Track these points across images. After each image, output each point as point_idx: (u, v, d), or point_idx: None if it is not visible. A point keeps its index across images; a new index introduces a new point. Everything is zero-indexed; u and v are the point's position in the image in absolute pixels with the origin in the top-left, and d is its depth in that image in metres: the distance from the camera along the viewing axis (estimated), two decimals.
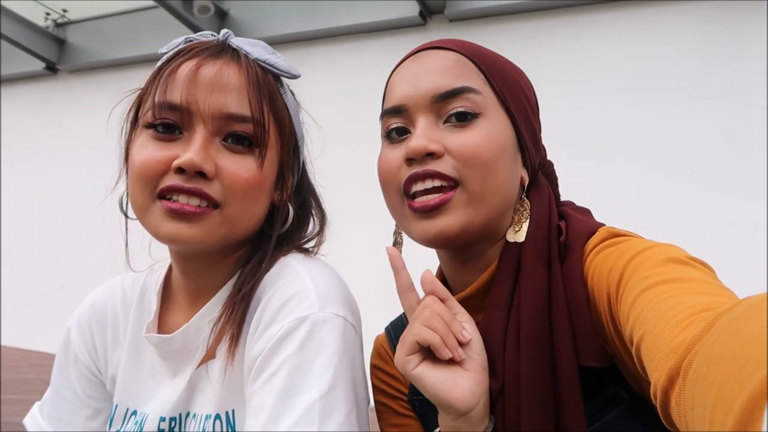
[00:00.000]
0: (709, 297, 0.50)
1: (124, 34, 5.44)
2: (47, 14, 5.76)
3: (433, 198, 0.70)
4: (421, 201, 0.71)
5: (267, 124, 0.74)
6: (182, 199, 0.70)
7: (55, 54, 5.82)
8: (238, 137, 0.73)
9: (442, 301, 0.69)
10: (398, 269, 0.71)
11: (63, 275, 5.35)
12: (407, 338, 0.66)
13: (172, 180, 0.70)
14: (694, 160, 3.37)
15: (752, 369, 0.33)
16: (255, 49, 0.78)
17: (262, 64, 0.77)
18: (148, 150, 0.72)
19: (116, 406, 0.86)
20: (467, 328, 0.67)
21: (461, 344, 0.66)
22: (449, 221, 0.70)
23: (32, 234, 5.77)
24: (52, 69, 5.91)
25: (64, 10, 5.79)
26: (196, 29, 4.53)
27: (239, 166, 0.72)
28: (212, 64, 0.73)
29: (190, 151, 0.69)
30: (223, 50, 0.76)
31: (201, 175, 0.70)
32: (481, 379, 0.66)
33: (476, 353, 0.66)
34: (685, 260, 0.59)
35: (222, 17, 4.87)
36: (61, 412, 0.87)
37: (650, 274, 0.57)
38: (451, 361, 0.65)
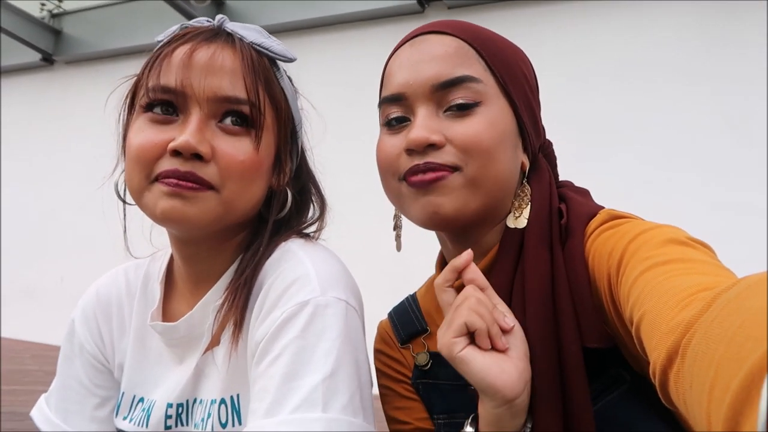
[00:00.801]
0: (709, 277, 0.50)
1: (120, 25, 5.41)
2: (43, 5, 5.72)
3: (430, 174, 0.70)
4: (418, 176, 0.71)
5: (263, 106, 0.74)
6: (177, 176, 0.70)
7: (51, 45, 5.79)
8: (234, 119, 0.73)
9: (482, 290, 0.67)
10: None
11: (63, 267, 5.36)
12: (455, 321, 0.63)
13: (168, 164, 0.70)
14: (694, 146, 3.37)
15: (750, 347, 0.33)
16: (250, 33, 0.77)
17: (257, 47, 0.77)
18: (145, 133, 0.72)
19: (123, 393, 0.86)
20: (508, 317, 0.66)
21: (504, 332, 0.64)
22: (444, 200, 0.70)
23: (32, 226, 5.77)
24: (48, 60, 5.88)
25: (60, 1, 5.75)
26: (192, 19, 4.50)
27: (235, 148, 0.72)
28: (206, 48, 0.73)
29: (186, 133, 0.69)
30: (217, 34, 0.76)
31: (197, 157, 0.70)
32: (525, 368, 0.64)
33: (519, 341, 0.65)
34: (684, 241, 0.59)
35: (219, 6, 4.84)
36: (69, 403, 0.87)
37: (650, 255, 0.57)
38: (494, 349, 0.64)
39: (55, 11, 5.80)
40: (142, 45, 5.14)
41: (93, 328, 0.89)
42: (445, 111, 0.71)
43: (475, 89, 0.71)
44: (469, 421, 0.70)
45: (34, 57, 5.81)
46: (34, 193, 5.83)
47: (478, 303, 0.64)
